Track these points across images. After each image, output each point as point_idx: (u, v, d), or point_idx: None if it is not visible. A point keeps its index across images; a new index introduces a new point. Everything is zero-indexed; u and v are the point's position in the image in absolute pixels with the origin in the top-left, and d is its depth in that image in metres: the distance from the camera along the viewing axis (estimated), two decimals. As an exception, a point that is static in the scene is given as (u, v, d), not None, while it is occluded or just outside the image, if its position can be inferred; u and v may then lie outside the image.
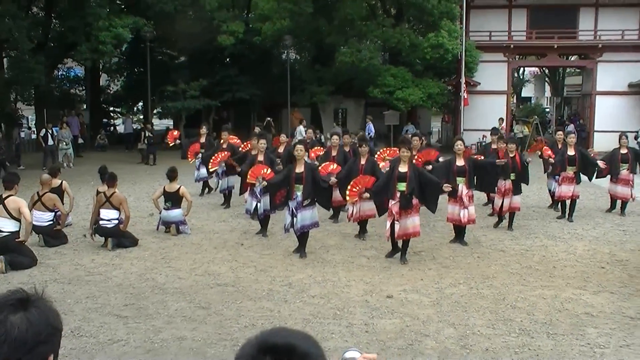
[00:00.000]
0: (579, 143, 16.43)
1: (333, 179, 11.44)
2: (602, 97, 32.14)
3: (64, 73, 37.73)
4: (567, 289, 9.31)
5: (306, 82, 32.38)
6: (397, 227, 10.56)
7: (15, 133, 26.17)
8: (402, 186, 10.52)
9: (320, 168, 12.45)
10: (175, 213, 13.01)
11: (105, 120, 38.27)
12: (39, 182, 12.55)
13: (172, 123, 38.11)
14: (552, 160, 14.63)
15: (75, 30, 26.19)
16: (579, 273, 10.22)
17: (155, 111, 34.54)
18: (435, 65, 31.06)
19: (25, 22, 24.88)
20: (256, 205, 12.80)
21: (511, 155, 13.50)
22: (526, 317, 8.06)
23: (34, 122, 31.69)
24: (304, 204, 10.97)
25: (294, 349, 1.67)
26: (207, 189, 17.98)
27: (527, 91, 63.72)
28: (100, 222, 11.81)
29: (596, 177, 15.62)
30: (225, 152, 15.62)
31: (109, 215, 11.80)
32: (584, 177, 14.97)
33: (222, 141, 16.65)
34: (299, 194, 10.95)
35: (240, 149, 16.27)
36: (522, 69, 53.13)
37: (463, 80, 29.95)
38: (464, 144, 12.52)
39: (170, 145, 19.77)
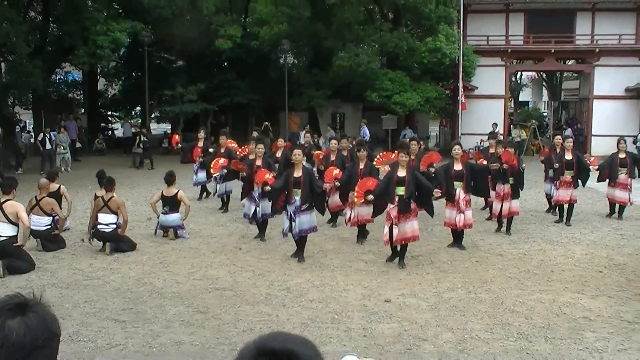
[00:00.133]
0: (576, 147, 16.45)
1: (326, 185, 11.39)
2: (600, 102, 32.18)
3: (62, 77, 37.71)
4: (565, 293, 9.32)
5: (304, 86, 32.40)
6: (395, 231, 10.57)
7: (20, 137, 26.14)
8: (400, 190, 10.54)
9: (325, 173, 12.51)
10: (173, 217, 13.00)
11: (103, 124, 38.25)
12: (37, 187, 12.55)
13: (170, 127, 38.09)
14: (556, 165, 14.51)
15: (73, 34, 26.20)
16: (577, 277, 10.23)
17: (153, 115, 34.53)
18: (432, 69, 31.08)
19: (23, 27, 24.90)
20: (255, 209, 12.80)
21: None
22: (524, 321, 8.07)
23: (31, 126, 31.64)
24: (302, 209, 10.97)
25: (292, 354, 1.67)
26: (205, 194, 17.97)
27: (525, 95, 63.84)
28: (98, 226, 11.80)
29: (597, 181, 15.66)
30: (225, 158, 15.63)
31: (107, 220, 11.80)
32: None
33: (220, 145, 16.64)
34: (297, 198, 10.96)
35: (237, 153, 16.26)
36: (519, 73, 53.19)
37: (461, 84, 29.97)
38: (461, 148, 12.53)
39: (175, 148, 19.78)
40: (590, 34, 32.27)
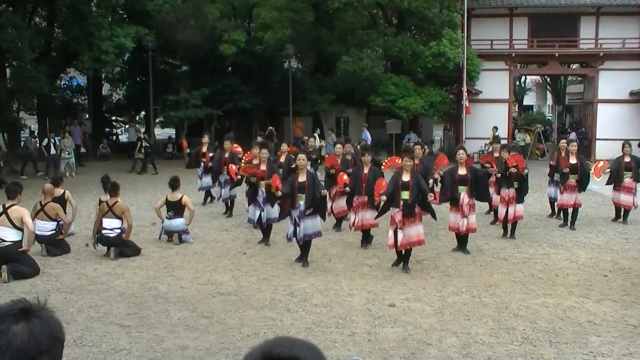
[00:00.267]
0: (581, 151, 16.39)
1: (324, 191, 11.31)
2: (604, 105, 32.14)
3: (67, 82, 37.75)
4: (570, 297, 9.31)
5: (308, 91, 32.40)
6: (400, 236, 10.56)
7: (29, 142, 26.16)
8: (405, 195, 10.55)
9: (338, 177, 12.51)
10: (178, 222, 13.02)
11: (107, 129, 38.31)
12: (42, 192, 12.57)
13: (174, 132, 38.12)
14: (566, 170, 14.41)
15: (77, 40, 26.25)
16: (582, 281, 10.21)
17: (157, 120, 34.57)
18: (436, 73, 31.09)
19: (28, 32, 24.94)
20: (259, 214, 12.80)
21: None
22: (529, 326, 8.06)
23: (36, 131, 31.70)
24: (306, 213, 10.97)
25: None
26: (209, 198, 17.98)
27: (529, 99, 63.68)
28: (103, 231, 11.82)
29: (606, 184, 15.63)
30: (230, 162, 15.71)
31: (111, 225, 11.81)
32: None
33: (224, 150, 16.64)
34: (302, 203, 10.96)
35: (243, 158, 16.25)
36: (523, 77, 53.11)
37: (465, 88, 30.00)
38: (466, 152, 12.52)
39: (186, 153, 19.76)
40: (595, 37, 32.27)
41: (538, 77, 53.66)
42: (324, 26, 31.18)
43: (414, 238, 10.68)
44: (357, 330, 7.88)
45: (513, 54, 32.72)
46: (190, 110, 29.99)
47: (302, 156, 11.48)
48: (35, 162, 25.19)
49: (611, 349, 7.30)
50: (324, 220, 11.40)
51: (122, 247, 11.72)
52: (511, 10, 32.68)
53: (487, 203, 15.43)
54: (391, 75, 31.55)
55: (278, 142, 19.39)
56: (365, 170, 12.50)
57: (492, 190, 14.88)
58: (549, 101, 58.61)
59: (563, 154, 14.83)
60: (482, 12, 32.89)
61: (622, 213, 15.48)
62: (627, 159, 15.28)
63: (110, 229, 11.78)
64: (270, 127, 30.57)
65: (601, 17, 32.13)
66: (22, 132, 32.05)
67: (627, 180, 15.12)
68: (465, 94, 30.03)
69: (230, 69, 34.60)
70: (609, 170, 15.28)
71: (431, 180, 13.06)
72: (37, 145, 26.09)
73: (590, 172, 14.73)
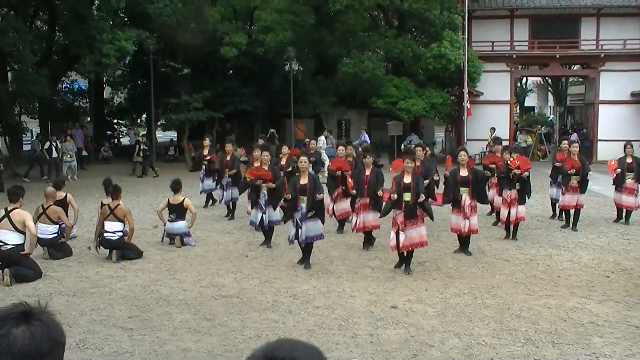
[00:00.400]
0: (582, 152, 16.37)
1: (319, 196, 11.21)
2: (605, 106, 32.12)
3: (68, 86, 37.76)
4: (572, 298, 9.30)
5: (309, 93, 32.40)
6: (402, 237, 10.56)
7: (36, 145, 26.17)
8: (406, 196, 10.55)
9: (347, 179, 12.55)
10: (180, 225, 13.02)
11: (109, 132, 38.34)
12: (44, 195, 12.59)
13: (175, 135, 38.14)
14: (572, 171, 14.37)
15: (78, 43, 26.26)
16: (584, 282, 10.21)
17: (159, 123, 34.57)
18: (438, 75, 31.07)
19: (29, 36, 24.98)
20: (261, 216, 12.80)
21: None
22: (531, 327, 8.05)
23: (38, 134, 31.73)
24: (308, 215, 10.97)
25: None
26: (211, 201, 17.98)
27: (530, 100, 63.59)
28: (105, 234, 11.83)
29: (613, 184, 15.60)
30: (230, 165, 15.76)
31: (113, 228, 11.83)
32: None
33: (226, 153, 16.65)
34: (304, 205, 10.96)
35: (248, 161, 16.27)
36: (524, 78, 53.07)
37: (466, 90, 29.98)
38: (467, 154, 12.52)
39: (193, 156, 19.77)
40: (596, 39, 32.26)
41: (539, 78, 53.63)
42: (324, 28, 31.18)
43: (415, 239, 10.68)
44: (359, 332, 7.88)
45: (514, 56, 32.72)
46: (192, 113, 29.99)
47: (303, 159, 11.49)
48: (42, 165, 25.21)
49: (614, 349, 7.30)
50: (323, 224, 11.36)
51: (124, 250, 11.74)
52: (512, 12, 32.68)
53: (488, 205, 15.47)
54: (392, 77, 31.54)
55: (279, 145, 19.36)
56: (367, 172, 12.51)
57: (494, 191, 14.92)
58: (550, 102, 58.52)
59: (568, 155, 14.73)
60: (482, 14, 32.88)
61: (624, 214, 15.47)
62: (629, 160, 15.26)
63: (112, 232, 11.79)
64: (272, 130, 30.56)
65: (602, 18, 32.13)
66: (24, 135, 32.03)
67: (629, 181, 15.11)
68: (466, 95, 30.01)
69: (231, 71, 34.61)
70: (619, 169, 15.18)
71: (436, 177, 13.07)
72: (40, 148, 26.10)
73: (589, 174, 14.61)
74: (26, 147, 32.32)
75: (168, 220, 13.07)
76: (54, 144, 24.96)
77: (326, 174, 15.73)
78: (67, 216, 12.72)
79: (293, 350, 1.70)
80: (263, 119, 35.03)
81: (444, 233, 13.63)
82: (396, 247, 10.75)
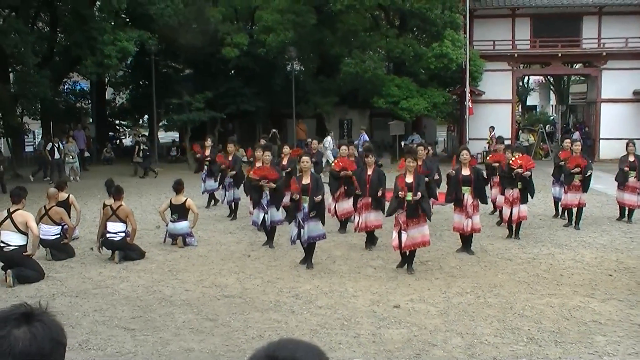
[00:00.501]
0: (585, 151, 16.33)
1: (317, 198, 11.16)
2: (607, 105, 32.09)
3: (70, 87, 37.79)
4: (575, 297, 9.29)
5: (310, 93, 32.41)
6: (404, 237, 10.55)
7: (44, 147, 26.18)
8: (408, 196, 10.53)
9: (353, 179, 12.51)
10: (182, 225, 13.03)
11: (111, 133, 38.38)
12: (46, 196, 12.60)
13: (177, 135, 38.17)
14: (577, 170, 14.31)
15: (80, 44, 26.29)
16: (587, 281, 10.20)
17: (160, 124, 34.61)
18: (439, 74, 31.07)
19: (31, 37, 25.01)
20: (263, 216, 12.80)
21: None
22: (534, 326, 8.05)
23: (40, 136, 31.76)
24: (310, 215, 10.97)
25: None
26: (213, 201, 18.00)
27: (532, 99, 63.65)
28: (107, 235, 11.84)
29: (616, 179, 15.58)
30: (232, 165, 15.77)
31: (115, 228, 11.83)
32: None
33: (228, 153, 16.66)
34: (306, 205, 10.95)
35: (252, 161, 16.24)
36: (526, 77, 53.09)
37: (468, 89, 29.97)
38: (469, 153, 12.52)
39: (198, 157, 19.68)
40: (597, 37, 32.22)
41: (541, 77, 53.64)
42: (326, 28, 31.19)
43: (418, 239, 10.67)
44: (361, 331, 7.88)
45: (515, 55, 32.68)
46: (194, 114, 30.01)
47: (305, 158, 11.48)
48: (46, 166, 25.22)
49: (617, 348, 7.29)
50: (323, 224, 11.32)
51: (126, 251, 11.74)
52: (513, 11, 32.65)
53: (491, 204, 15.47)
54: (394, 77, 31.54)
55: (281, 145, 19.35)
56: (369, 172, 12.49)
57: (497, 190, 14.92)
58: (552, 101, 58.52)
59: (573, 154, 14.66)
60: (484, 13, 32.87)
61: (626, 212, 15.45)
62: (631, 158, 15.23)
63: (115, 233, 11.80)
64: (274, 130, 30.58)
65: (604, 16, 32.09)
66: (26, 136, 32.06)
67: (632, 179, 15.08)
68: (468, 94, 30.01)
69: (232, 71, 34.63)
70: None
71: (437, 177, 13.06)
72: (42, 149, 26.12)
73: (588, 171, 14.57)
74: (28, 149, 32.41)
75: (170, 221, 13.08)
76: (57, 145, 24.99)
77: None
78: (70, 217, 12.73)
79: (295, 350, 1.70)
80: (265, 119, 35.06)
81: (447, 232, 13.63)
82: (398, 246, 10.74)
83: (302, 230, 10.97)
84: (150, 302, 9.21)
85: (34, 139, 34.36)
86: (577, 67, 39.03)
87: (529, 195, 13.51)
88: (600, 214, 16.44)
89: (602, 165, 26.17)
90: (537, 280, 10.22)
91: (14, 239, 10.31)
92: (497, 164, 14.46)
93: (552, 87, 55.98)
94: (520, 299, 9.22)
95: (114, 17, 27.99)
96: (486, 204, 13.61)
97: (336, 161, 13.94)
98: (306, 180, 11.08)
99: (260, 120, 35.05)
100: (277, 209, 12.82)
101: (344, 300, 9.23)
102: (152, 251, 12.40)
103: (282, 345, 1.72)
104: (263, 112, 34.02)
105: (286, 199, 12.92)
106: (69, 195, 13.47)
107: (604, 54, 31.83)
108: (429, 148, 16.17)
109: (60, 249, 11.93)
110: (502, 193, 13.78)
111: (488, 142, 29.04)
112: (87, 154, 30.23)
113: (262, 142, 17.60)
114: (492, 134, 28.79)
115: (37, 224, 11.09)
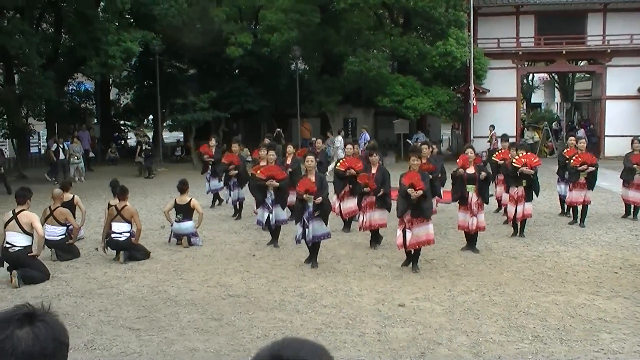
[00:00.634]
0: (590, 148, 16.27)
1: (317, 199, 11.11)
2: (612, 102, 32.01)
3: (74, 88, 37.84)
4: (580, 295, 9.28)
5: (315, 92, 32.40)
6: (409, 235, 10.54)
7: (50, 144, 26.22)
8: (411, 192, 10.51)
9: (360, 177, 12.46)
10: (187, 225, 13.05)
11: (116, 133, 38.43)
12: (51, 197, 12.63)
13: (182, 135, 38.21)
14: (582, 168, 14.24)
15: (84, 45, 26.32)
16: (592, 278, 10.18)
17: (165, 124, 34.63)
18: (444, 73, 31.04)
19: (35, 38, 25.03)
20: (268, 216, 12.79)
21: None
22: (539, 324, 8.03)
23: (45, 137, 31.83)
24: (315, 215, 10.96)
25: None
26: (217, 201, 18.01)
27: (537, 97, 63.44)
28: (112, 235, 11.85)
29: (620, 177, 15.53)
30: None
31: (120, 229, 11.85)
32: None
33: (232, 152, 16.65)
34: (310, 204, 10.94)
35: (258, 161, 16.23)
36: (531, 75, 52.98)
37: (472, 87, 29.91)
38: (474, 151, 12.50)
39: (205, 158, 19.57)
40: (602, 34, 32.15)
41: (546, 74, 53.51)
42: (330, 27, 31.16)
43: (422, 238, 10.65)
44: (366, 330, 7.88)
45: (520, 52, 32.63)
46: (198, 114, 30.03)
47: (310, 158, 11.49)
48: (52, 167, 25.27)
49: (622, 345, 7.27)
50: (326, 225, 11.26)
51: (131, 251, 11.76)
52: (517, 8, 32.59)
53: (496, 202, 15.46)
54: (398, 75, 31.52)
55: (285, 144, 19.33)
56: (373, 171, 12.49)
57: (501, 188, 14.90)
58: (557, 99, 58.38)
59: (578, 152, 14.59)
60: (488, 11, 32.81)
61: (632, 210, 15.41)
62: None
63: (120, 233, 11.82)
64: (278, 129, 30.59)
65: (608, 13, 32.01)
66: (30, 137, 32.11)
67: (637, 177, 15.01)
68: (472, 92, 29.94)
69: (237, 71, 34.65)
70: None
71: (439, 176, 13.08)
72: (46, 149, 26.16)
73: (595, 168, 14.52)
74: (33, 150, 32.46)
75: (175, 221, 13.09)
76: (61, 145, 25.03)
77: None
78: (75, 217, 12.76)
79: (299, 350, 1.70)
80: (269, 119, 35.06)
81: (451, 230, 13.62)
82: (403, 245, 10.74)
83: (307, 229, 10.97)
84: (155, 302, 9.23)
85: (39, 140, 34.43)
86: (581, 64, 38.97)
87: (534, 194, 13.50)
88: (605, 211, 16.40)
89: (607, 162, 26.09)
90: (542, 278, 10.20)
91: (19, 240, 10.34)
92: (502, 162, 14.44)
93: (556, 85, 55.89)
94: (525, 296, 9.21)
95: (118, 18, 28.03)
96: (487, 203, 13.59)
97: (342, 161, 13.86)
98: (311, 180, 11.07)
99: (265, 120, 35.05)
100: (282, 208, 12.82)
101: (348, 299, 9.23)
102: (157, 251, 12.42)
103: (287, 345, 1.72)
104: (267, 111, 34.03)
105: (291, 199, 12.95)
106: (74, 196, 13.49)
107: (609, 51, 31.76)
108: (434, 146, 16.16)
109: (65, 249, 11.96)
110: (507, 191, 13.76)
111: (489, 141, 29.01)
112: (91, 154, 30.27)
113: (267, 141, 17.62)
114: (493, 132, 28.76)
115: (42, 225, 11.12)
